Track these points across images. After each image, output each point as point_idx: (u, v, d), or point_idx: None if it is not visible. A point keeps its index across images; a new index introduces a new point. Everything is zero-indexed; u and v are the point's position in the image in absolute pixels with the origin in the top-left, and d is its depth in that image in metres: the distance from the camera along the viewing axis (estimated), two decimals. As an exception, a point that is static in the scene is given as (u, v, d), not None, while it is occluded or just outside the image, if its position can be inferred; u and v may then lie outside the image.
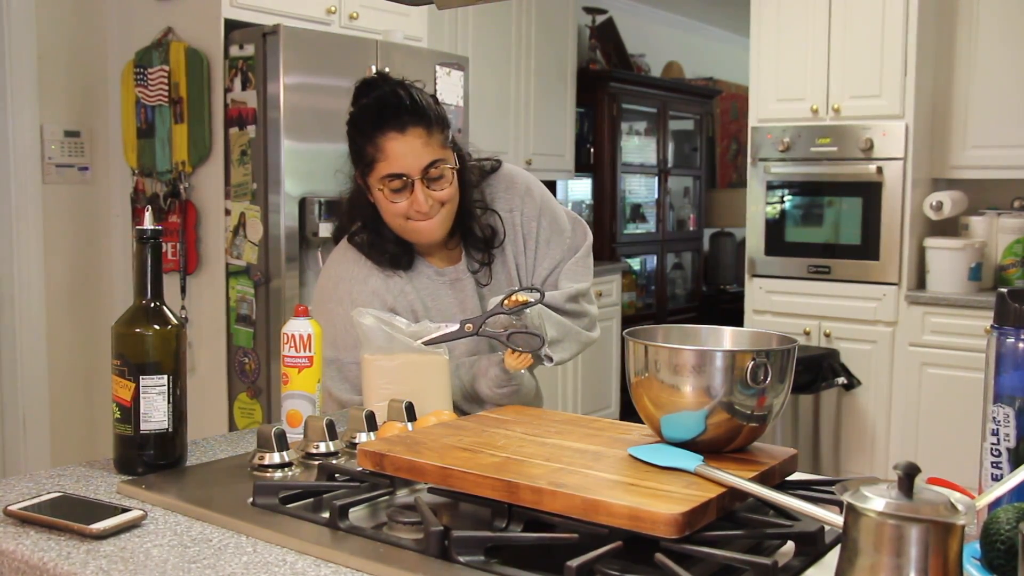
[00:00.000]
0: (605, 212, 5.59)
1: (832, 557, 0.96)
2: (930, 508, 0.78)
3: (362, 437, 1.37)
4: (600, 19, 5.84)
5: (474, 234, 1.74)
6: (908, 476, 0.80)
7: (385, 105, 1.62)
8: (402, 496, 1.17)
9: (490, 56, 4.59)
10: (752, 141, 4.44)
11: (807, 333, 4.25)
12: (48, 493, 1.15)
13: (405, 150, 1.60)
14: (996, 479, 1.05)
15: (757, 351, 1.11)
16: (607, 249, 5.52)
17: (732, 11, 6.08)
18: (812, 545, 0.99)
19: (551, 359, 1.61)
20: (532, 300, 1.53)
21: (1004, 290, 1.05)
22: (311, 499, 1.15)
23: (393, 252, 1.70)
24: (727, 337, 1.28)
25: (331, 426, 1.36)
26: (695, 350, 1.13)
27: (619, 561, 0.91)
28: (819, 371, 3.99)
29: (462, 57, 3.66)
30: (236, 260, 3.10)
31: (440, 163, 1.62)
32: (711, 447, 1.13)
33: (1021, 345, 1.03)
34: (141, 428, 1.26)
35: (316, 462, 1.29)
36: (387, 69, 3.25)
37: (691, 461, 1.06)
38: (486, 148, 4.46)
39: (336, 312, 1.67)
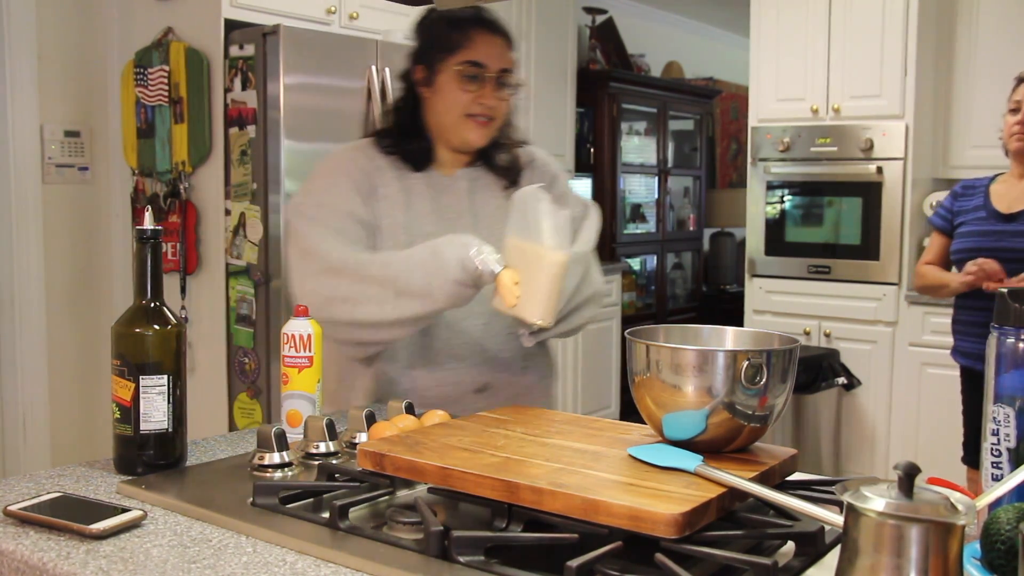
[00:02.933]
0: (605, 212, 5.59)
1: (832, 557, 0.96)
2: (930, 508, 0.78)
3: (362, 437, 1.37)
4: (600, 19, 5.84)
5: (496, 162, 1.80)
6: (908, 476, 0.80)
7: (480, 11, 1.72)
8: (402, 496, 1.17)
9: (490, 56, 4.58)
10: (752, 141, 4.44)
11: (807, 333, 4.25)
12: (48, 493, 1.15)
13: (491, 46, 1.70)
14: (996, 479, 1.05)
15: (755, 351, 1.11)
16: (607, 249, 5.52)
17: (732, 11, 6.07)
18: (812, 545, 0.99)
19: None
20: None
21: (1004, 290, 1.05)
22: (311, 499, 1.15)
23: (418, 148, 1.75)
24: (729, 337, 1.28)
25: (331, 426, 1.36)
26: (697, 350, 1.13)
27: (619, 561, 0.91)
28: (819, 371, 3.99)
29: (462, 57, 3.66)
30: (236, 260, 3.10)
31: (511, 72, 1.72)
32: (712, 447, 1.13)
33: (1021, 345, 1.03)
34: (141, 428, 1.26)
35: (316, 462, 1.29)
36: (387, 69, 3.25)
37: (691, 461, 1.06)
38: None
39: (340, 179, 1.70)
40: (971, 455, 3.16)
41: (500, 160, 1.80)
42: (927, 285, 3.27)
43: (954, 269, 3.20)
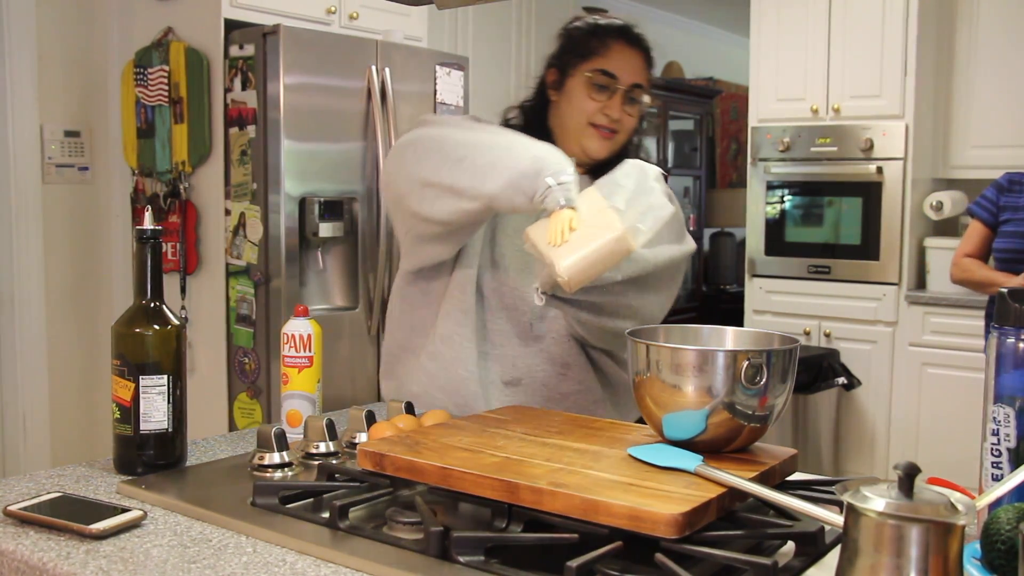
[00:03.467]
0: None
1: (832, 557, 0.96)
2: (930, 508, 0.78)
3: (362, 437, 1.37)
4: (600, 19, 5.83)
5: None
6: (908, 476, 0.79)
7: (626, 24, 1.70)
8: (402, 496, 1.17)
9: (490, 56, 4.59)
10: (752, 141, 4.44)
11: (807, 333, 4.25)
12: (48, 493, 1.15)
13: (627, 59, 1.66)
14: (996, 479, 1.05)
15: (755, 351, 1.11)
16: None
17: (732, 11, 6.07)
18: (812, 545, 0.99)
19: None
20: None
21: (1004, 290, 1.05)
22: (311, 499, 1.15)
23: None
24: (729, 337, 1.28)
25: (331, 426, 1.36)
26: (697, 350, 1.13)
27: (619, 561, 0.91)
28: (819, 371, 3.99)
29: (462, 57, 3.66)
30: (236, 260, 3.10)
31: (643, 90, 1.68)
32: (712, 447, 1.13)
33: (1021, 345, 1.03)
34: (141, 428, 1.26)
35: (316, 462, 1.29)
36: (387, 69, 3.25)
37: (691, 461, 1.06)
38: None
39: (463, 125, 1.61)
40: None
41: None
42: (971, 280, 3.18)
43: (992, 263, 3.13)
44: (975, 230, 3.18)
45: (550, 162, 1.38)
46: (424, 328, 1.66)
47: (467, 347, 1.60)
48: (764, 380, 1.10)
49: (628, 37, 1.68)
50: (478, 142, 1.47)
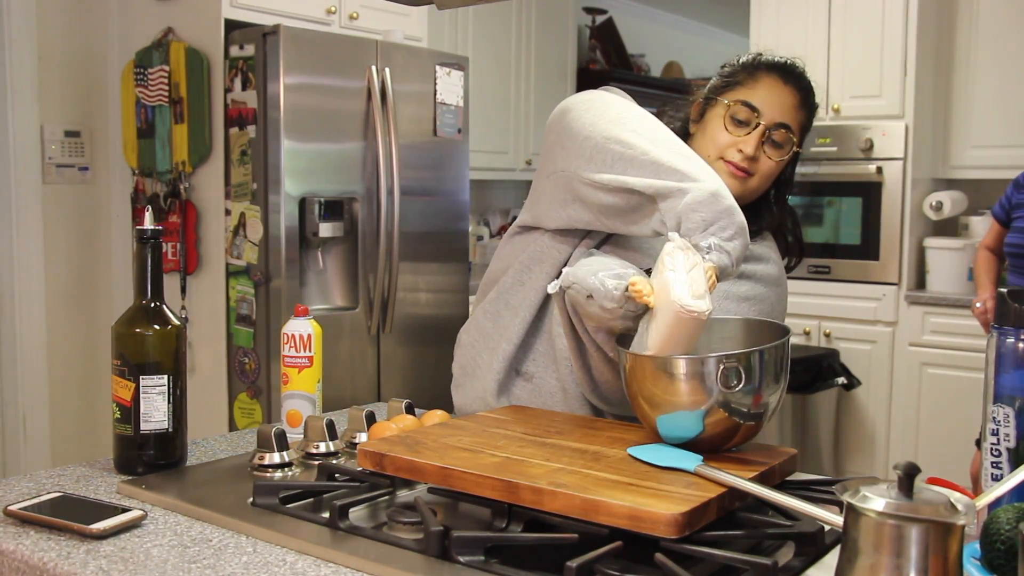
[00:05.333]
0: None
1: (832, 557, 0.96)
2: (930, 508, 0.78)
3: (362, 437, 1.37)
4: (600, 19, 5.84)
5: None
6: (908, 476, 0.80)
7: (786, 61, 1.54)
8: (402, 496, 1.17)
9: (490, 56, 4.59)
10: (752, 141, 4.43)
11: (807, 333, 4.25)
12: (48, 493, 1.15)
13: (776, 94, 1.50)
14: (996, 479, 1.05)
15: (743, 353, 1.11)
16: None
17: (732, 11, 6.07)
18: (812, 545, 0.99)
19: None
20: None
21: (1004, 290, 1.05)
22: (311, 499, 1.15)
23: None
24: (715, 329, 1.27)
25: (331, 426, 1.36)
26: (686, 358, 1.12)
27: (619, 561, 0.91)
28: (819, 371, 3.98)
29: (462, 57, 3.66)
30: (236, 260, 3.10)
31: (791, 132, 1.51)
32: (710, 445, 1.14)
33: (1021, 345, 1.03)
34: (141, 428, 1.26)
35: (316, 462, 1.29)
36: (387, 69, 3.25)
37: (691, 461, 1.06)
38: (486, 148, 4.45)
39: (610, 100, 1.44)
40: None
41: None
42: (974, 271, 3.51)
43: (1008, 263, 3.30)
44: (992, 226, 3.39)
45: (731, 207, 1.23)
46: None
47: (508, 338, 1.49)
48: (735, 385, 1.09)
49: (783, 72, 1.52)
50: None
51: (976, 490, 1.24)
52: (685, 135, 1.56)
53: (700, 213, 1.21)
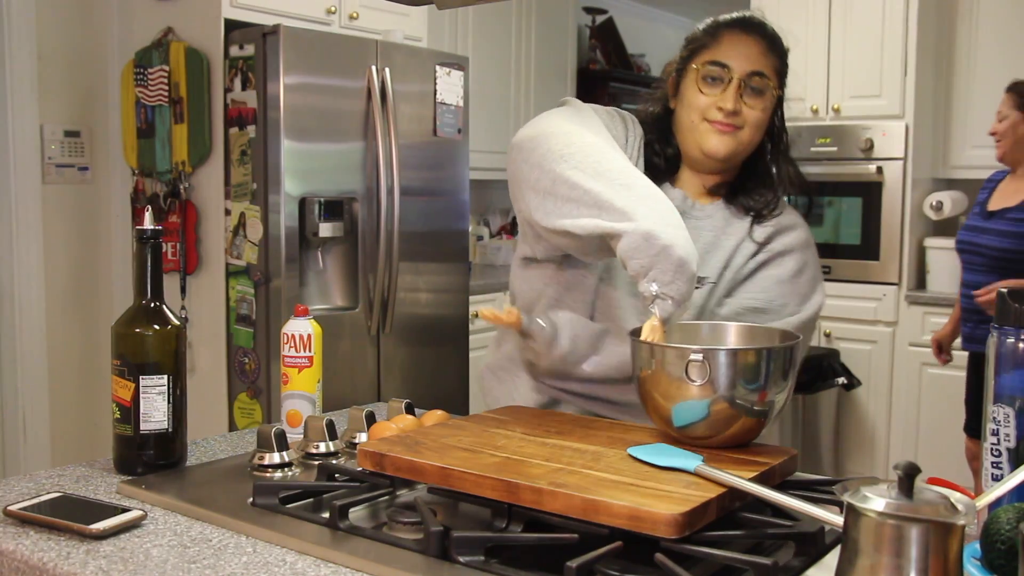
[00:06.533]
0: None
1: (832, 557, 0.96)
2: (930, 508, 0.78)
3: (362, 437, 1.37)
4: (600, 19, 5.84)
5: (742, 199, 1.59)
6: (908, 476, 0.79)
7: (744, 14, 1.57)
8: (402, 496, 1.17)
9: (490, 56, 4.59)
10: (752, 141, 4.43)
11: (807, 333, 4.25)
12: (48, 493, 1.15)
13: (738, 46, 1.52)
14: (996, 479, 1.05)
15: (754, 349, 1.12)
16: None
17: (732, 11, 6.07)
18: (812, 545, 0.99)
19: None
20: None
21: (1004, 290, 1.05)
22: (311, 499, 1.15)
23: (659, 157, 1.56)
24: (731, 334, 1.30)
25: (331, 426, 1.36)
26: (700, 349, 1.14)
27: (619, 561, 0.91)
28: (819, 371, 3.98)
29: (462, 57, 3.66)
30: (236, 260, 3.10)
31: (765, 78, 1.53)
32: (712, 432, 1.15)
33: (1021, 345, 1.03)
34: (141, 428, 1.26)
35: (316, 462, 1.29)
36: (387, 69, 3.25)
37: (691, 461, 1.06)
38: (486, 148, 4.45)
39: (591, 115, 1.50)
40: (972, 422, 3.25)
41: (754, 204, 1.59)
42: None
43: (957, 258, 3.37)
44: None
45: (671, 236, 1.21)
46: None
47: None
48: (764, 377, 1.12)
49: (742, 24, 1.54)
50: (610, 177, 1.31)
51: (976, 480, 1.25)
52: (667, 113, 1.59)
53: (637, 260, 1.21)
